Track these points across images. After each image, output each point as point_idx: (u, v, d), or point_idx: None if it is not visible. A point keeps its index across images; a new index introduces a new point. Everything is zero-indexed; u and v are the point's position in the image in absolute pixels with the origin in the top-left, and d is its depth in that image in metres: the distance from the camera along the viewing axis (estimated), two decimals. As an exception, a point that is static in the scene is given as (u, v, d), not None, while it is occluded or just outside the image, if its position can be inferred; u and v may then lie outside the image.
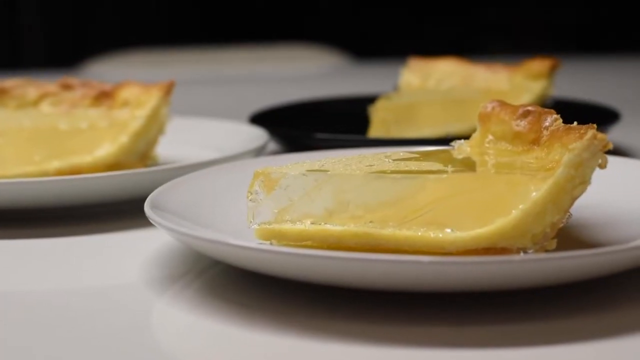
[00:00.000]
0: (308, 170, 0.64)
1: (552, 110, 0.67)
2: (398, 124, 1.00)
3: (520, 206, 0.60)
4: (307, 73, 1.90)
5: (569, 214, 0.62)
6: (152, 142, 0.92)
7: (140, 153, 0.91)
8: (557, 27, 2.84)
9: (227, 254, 0.59)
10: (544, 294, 0.60)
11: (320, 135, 0.94)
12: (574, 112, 1.06)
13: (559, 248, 0.61)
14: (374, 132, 1.00)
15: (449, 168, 0.63)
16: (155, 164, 0.92)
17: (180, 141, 0.99)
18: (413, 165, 0.65)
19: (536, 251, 0.60)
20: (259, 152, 0.90)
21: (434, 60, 1.14)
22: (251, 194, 0.65)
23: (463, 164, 0.66)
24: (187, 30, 2.86)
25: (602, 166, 0.61)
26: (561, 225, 0.61)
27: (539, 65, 1.07)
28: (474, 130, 0.69)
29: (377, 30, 2.84)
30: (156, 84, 0.92)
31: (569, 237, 0.67)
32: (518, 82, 1.07)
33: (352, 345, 0.54)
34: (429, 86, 1.12)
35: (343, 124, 1.05)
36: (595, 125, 0.62)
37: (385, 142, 0.91)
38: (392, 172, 0.63)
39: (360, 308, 0.59)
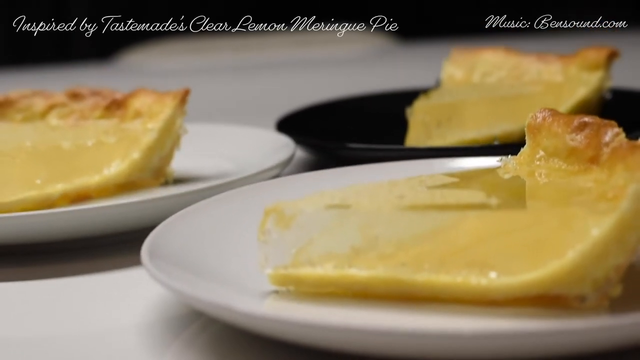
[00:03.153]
0: (328, 206, 0.55)
1: (613, 122, 0.58)
2: (439, 126, 0.90)
3: (578, 246, 0.50)
4: (353, 55, 1.84)
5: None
6: (167, 158, 0.83)
7: (153, 170, 0.82)
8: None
9: (232, 319, 0.50)
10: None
11: (352, 145, 0.85)
12: (635, 103, 0.97)
13: (625, 295, 0.51)
14: (413, 135, 0.90)
15: (493, 200, 0.54)
16: (171, 180, 0.83)
17: (198, 152, 0.90)
18: (451, 197, 0.55)
19: (597, 299, 0.51)
20: (285, 165, 0.80)
21: (479, 50, 1.04)
22: (263, 234, 0.56)
23: (510, 190, 0.57)
24: (235, 15, 2.78)
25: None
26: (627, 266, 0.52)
27: (595, 54, 0.96)
28: (524, 131, 0.61)
29: (425, 10, 2.73)
30: (170, 92, 0.84)
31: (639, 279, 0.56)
32: (573, 73, 0.97)
33: None
34: (473, 79, 1.02)
35: (379, 126, 0.95)
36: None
37: (424, 153, 0.79)
38: (426, 206, 0.54)
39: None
